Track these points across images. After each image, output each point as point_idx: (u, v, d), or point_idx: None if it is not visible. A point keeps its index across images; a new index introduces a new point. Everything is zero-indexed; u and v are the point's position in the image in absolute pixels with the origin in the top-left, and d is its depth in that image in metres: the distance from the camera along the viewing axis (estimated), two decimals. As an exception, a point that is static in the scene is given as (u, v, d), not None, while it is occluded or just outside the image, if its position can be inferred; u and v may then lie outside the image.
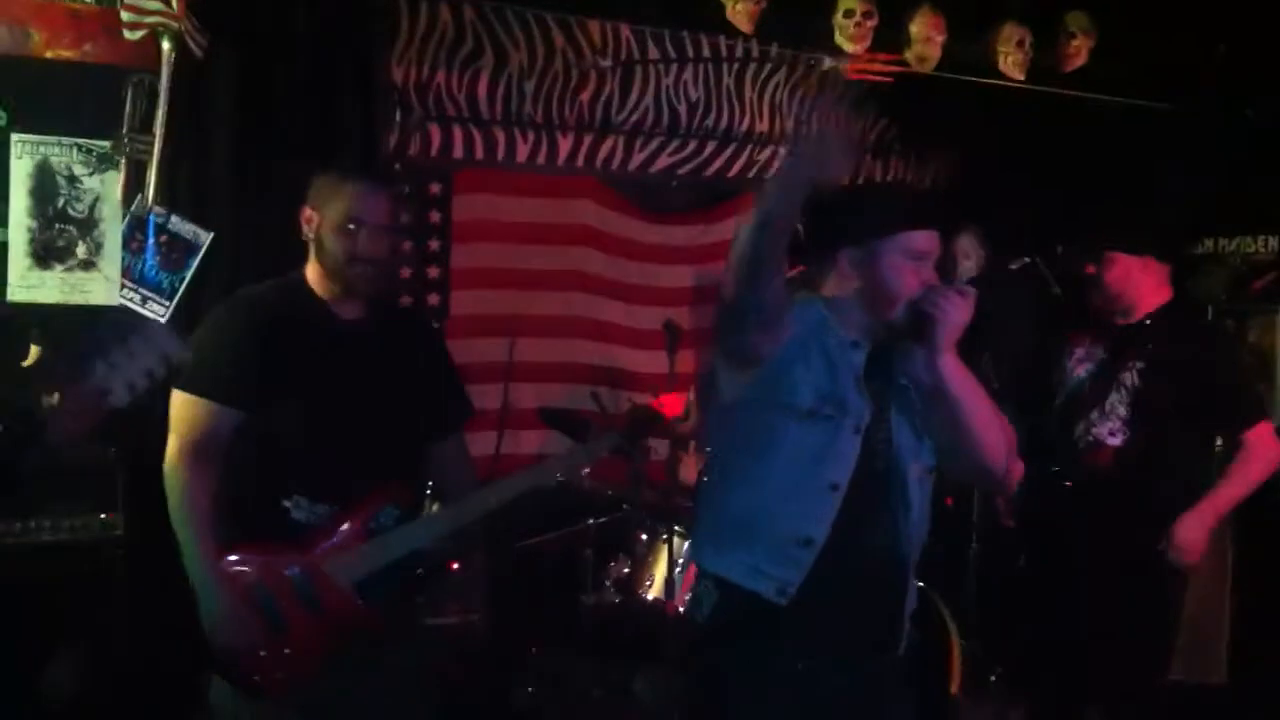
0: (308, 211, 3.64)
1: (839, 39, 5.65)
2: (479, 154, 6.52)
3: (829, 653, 3.21)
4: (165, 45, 4.69)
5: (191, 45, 4.73)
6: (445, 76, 6.34)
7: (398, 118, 6.14)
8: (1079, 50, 5.94)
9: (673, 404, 4.06)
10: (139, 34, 4.64)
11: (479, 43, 6.39)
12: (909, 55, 5.78)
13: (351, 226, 3.55)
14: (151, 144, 4.73)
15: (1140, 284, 4.89)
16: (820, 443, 3.18)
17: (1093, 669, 4.87)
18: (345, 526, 3.54)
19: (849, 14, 5.63)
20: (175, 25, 4.65)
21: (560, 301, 6.89)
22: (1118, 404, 4.85)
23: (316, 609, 3.47)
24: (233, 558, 3.47)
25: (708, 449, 3.52)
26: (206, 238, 4.91)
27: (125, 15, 4.65)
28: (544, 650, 5.72)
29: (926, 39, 5.70)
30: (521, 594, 5.87)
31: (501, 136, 6.56)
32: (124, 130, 4.77)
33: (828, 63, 5.92)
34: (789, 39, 6.26)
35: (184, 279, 4.88)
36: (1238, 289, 6.66)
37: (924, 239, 3.22)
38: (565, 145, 6.73)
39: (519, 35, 6.45)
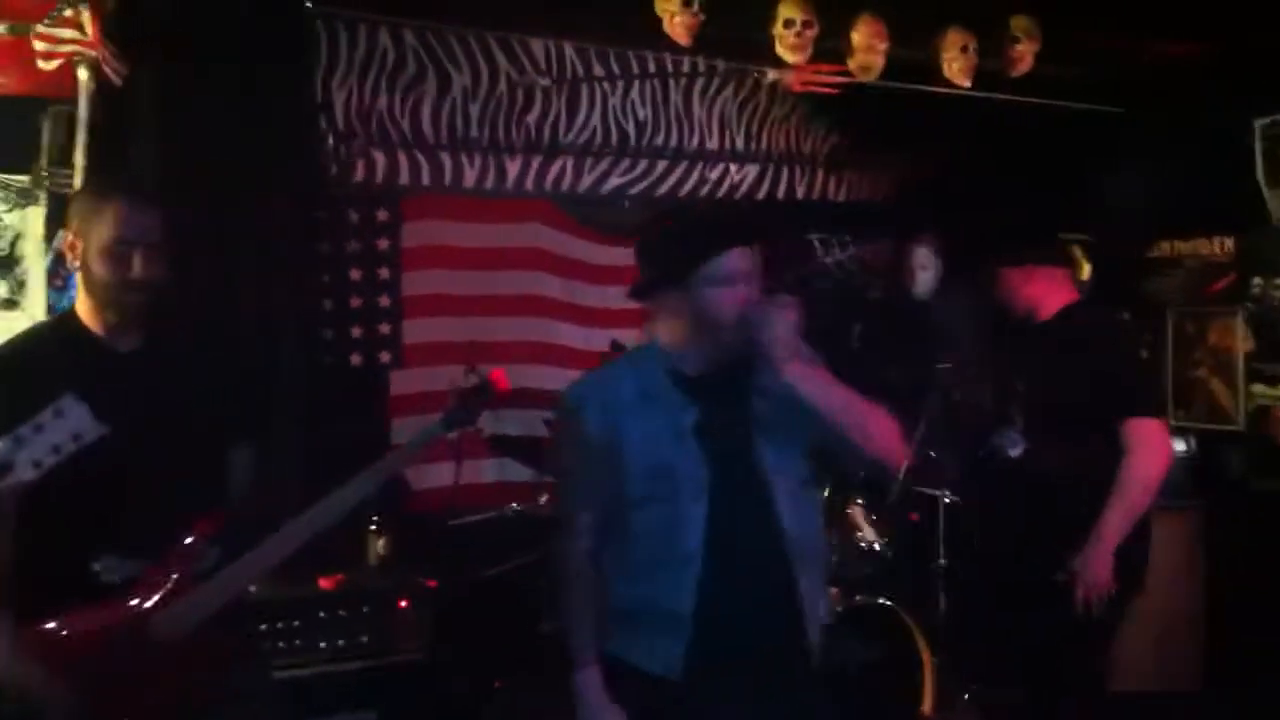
0: (69, 238, 3.34)
1: (779, 49, 5.54)
2: (425, 179, 6.45)
3: (733, 709, 3.26)
4: (83, 74, 4.55)
5: (109, 73, 4.60)
6: (388, 101, 6.27)
7: (339, 144, 6.07)
8: (1024, 55, 5.84)
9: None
10: (54, 63, 4.50)
11: (421, 66, 6.33)
12: (851, 64, 5.68)
13: (121, 248, 3.27)
14: (72, 176, 4.59)
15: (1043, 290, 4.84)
16: (663, 520, 3.25)
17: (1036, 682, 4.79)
18: (167, 578, 3.25)
19: (789, 24, 5.52)
20: (92, 54, 4.51)
21: (515, 326, 6.77)
22: (1014, 413, 4.77)
23: (158, 670, 3.23)
24: (48, 637, 3.15)
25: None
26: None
27: (39, 45, 4.49)
28: (507, 683, 5.59)
29: (868, 47, 5.60)
30: (481, 626, 5.73)
31: (448, 160, 6.49)
32: (43, 163, 4.65)
33: (771, 75, 5.81)
34: (729, 51, 6.17)
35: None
36: (1195, 291, 6.57)
37: (729, 261, 3.20)
38: (514, 168, 6.66)
39: (461, 58, 6.39)
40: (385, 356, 6.42)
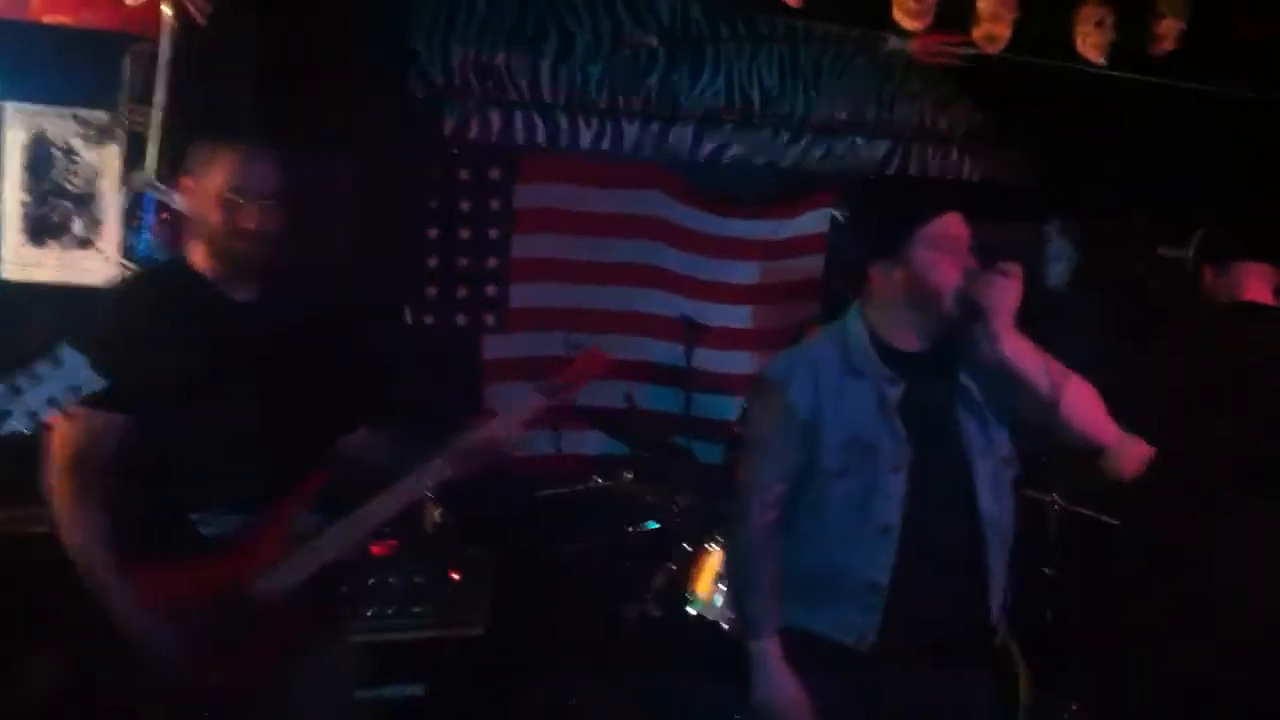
0: (186, 180, 3.33)
1: (897, 14, 5.24)
2: (541, 139, 6.30)
3: (916, 681, 3.21)
4: (166, 11, 4.46)
5: (194, 11, 4.50)
6: (506, 58, 6.13)
7: (455, 99, 5.97)
8: (1168, 32, 5.45)
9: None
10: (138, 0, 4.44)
11: (542, 24, 6.17)
12: (976, 34, 5.35)
13: (236, 198, 3.23)
14: (151, 115, 4.52)
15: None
16: (861, 491, 3.20)
17: None
18: (265, 537, 3.24)
19: (907, -14, 5.21)
20: (176, -10, 4.44)
21: (624, 296, 6.63)
22: None
23: (252, 629, 3.20)
24: (150, 586, 3.15)
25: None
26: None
27: (123, -20, 4.43)
28: (581, 664, 5.44)
29: (995, 16, 5.26)
30: (557, 605, 5.58)
31: (565, 121, 6.33)
32: (123, 101, 4.57)
33: (893, 42, 5.52)
34: (841, 14, 5.90)
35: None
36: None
37: (945, 225, 3.15)
38: (631, 131, 6.48)
39: (584, 13, 6.22)
40: (489, 319, 6.31)
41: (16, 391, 2.50)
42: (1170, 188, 6.09)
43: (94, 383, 2.59)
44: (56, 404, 2.54)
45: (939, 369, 3.27)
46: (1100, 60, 5.42)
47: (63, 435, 3.14)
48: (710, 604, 5.26)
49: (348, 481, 3.43)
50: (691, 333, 6.03)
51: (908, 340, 3.25)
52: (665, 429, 6.10)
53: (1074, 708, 5.46)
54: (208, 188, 3.26)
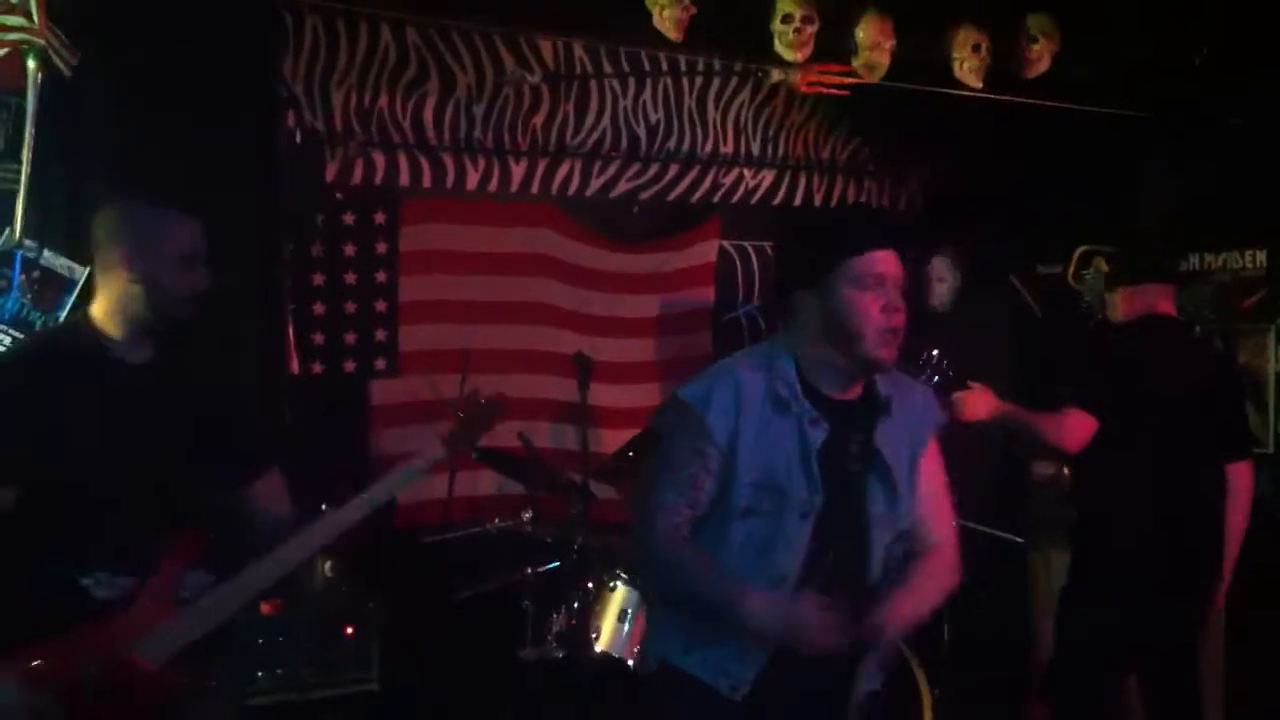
0: (118, 251, 3.28)
1: (778, 47, 5.27)
2: (427, 181, 6.29)
3: None
4: (30, 64, 4.32)
5: (58, 63, 4.40)
6: (389, 101, 6.09)
7: (336, 144, 5.91)
8: (1041, 55, 5.54)
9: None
10: (0, 52, 4.33)
11: (424, 66, 6.14)
12: (857, 64, 5.40)
13: (193, 260, 3.28)
14: (19, 171, 4.40)
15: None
16: (764, 535, 3.08)
17: None
18: (150, 600, 3.18)
19: (787, 19, 5.22)
20: (39, 41, 4.29)
21: (517, 334, 6.57)
22: None
23: (131, 698, 3.14)
24: (30, 657, 3.08)
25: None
26: (82, 273, 4.55)
27: (-16, 33, 4.31)
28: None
29: (875, 45, 5.31)
30: (455, 651, 5.50)
31: (450, 163, 6.31)
32: (-11, 156, 4.46)
33: (776, 75, 5.55)
34: (722, 48, 5.93)
35: (58, 319, 4.53)
36: (1225, 307, 6.24)
37: (873, 262, 3.03)
38: (519, 170, 6.48)
39: (466, 57, 6.20)
40: (380, 363, 6.24)
41: None
42: (1049, 207, 6.18)
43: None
44: None
45: (859, 423, 3.16)
46: (978, 84, 5.49)
47: None
48: (614, 641, 5.23)
49: (241, 541, 3.38)
50: (583, 368, 5.98)
51: (831, 383, 3.13)
52: (562, 466, 6.04)
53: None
54: (163, 252, 3.24)
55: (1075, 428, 4.62)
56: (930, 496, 3.30)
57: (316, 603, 5.02)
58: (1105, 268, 6.02)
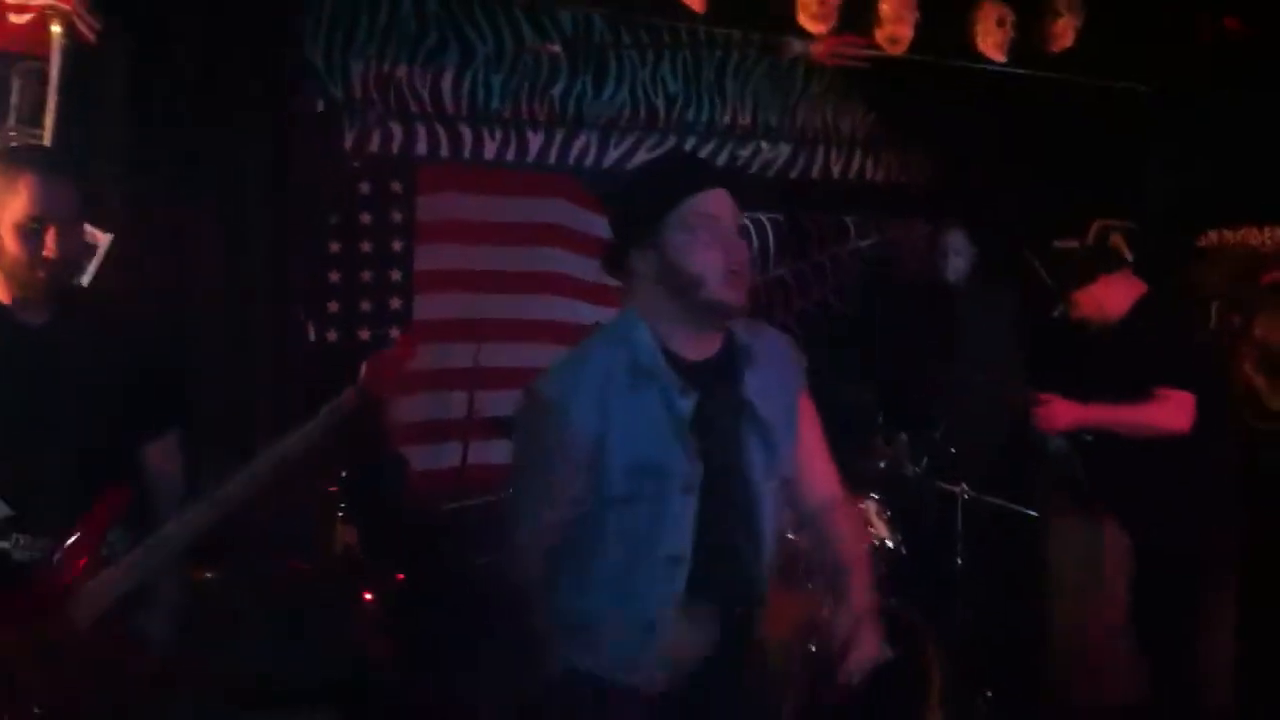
0: None
1: (802, 18, 5.26)
2: (444, 150, 6.27)
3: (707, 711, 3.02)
4: (55, 29, 4.33)
5: (83, 28, 4.40)
6: (407, 70, 6.08)
7: (355, 113, 5.91)
8: (1065, 30, 5.53)
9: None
10: (26, 17, 4.29)
11: (443, 36, 6.14)
12: (879, 36, 5.38)
13: (34, 225, 3.18)
14: (41, 137, 4.40)
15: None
16: (648, 519, 2.92)
17: None
18: (74, 560, 3.18)
19: (812, -10, 5.23)
20: (65, 7, 4.29)
21: (531, 305, 6.57)
22: None
23: (61, 660, 3.13)
24: None
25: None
26: (105, 240, 4.56)
27: (9, -3, 4.30)
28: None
29: (898, 18, 5.30)
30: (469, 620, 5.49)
31: (468, 132, 6.30)
32: (11, 122, 4.44)
33: (797, 46, 5.53)
34: (744, 18, 5.91)
35: (82, 286, 4.54)
36: (1242, 283, 6.24)
37: (703, 203, 2.90)
38: (536, 141, 6.46)
39: (485, 27, 6.18)
40: (395, 332, 6.23)
41: None
42: (1067, 183, 6.18)
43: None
44: None
45: (726, 380, 3.02)
46: (1001, 58, 5.48)
47: None
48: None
49: (158, 498, 3.41)
50: None
51: (688, 345, 2.97)
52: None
53: (988, 694, 5.51)
54: (5, 213, 3.19)
55: (1181, 407, 4.64)
56: (811, 446, 3.21)
57: (337, 568, 5.03)
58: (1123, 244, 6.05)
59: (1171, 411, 4.63)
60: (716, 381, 3.00)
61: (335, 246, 6.08)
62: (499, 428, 5.69)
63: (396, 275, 6.25)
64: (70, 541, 3.18)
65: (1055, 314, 4.98)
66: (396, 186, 6.22)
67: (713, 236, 2.89)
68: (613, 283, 6.45)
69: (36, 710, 3.07)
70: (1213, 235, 6.36)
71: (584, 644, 2.98)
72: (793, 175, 6.94)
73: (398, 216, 6.24)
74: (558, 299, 6.64)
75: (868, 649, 3.05)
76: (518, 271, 6.53)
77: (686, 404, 2.93)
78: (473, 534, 5.67)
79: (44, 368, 3.24)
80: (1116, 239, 6.15)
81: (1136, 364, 4.70)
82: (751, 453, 3.02)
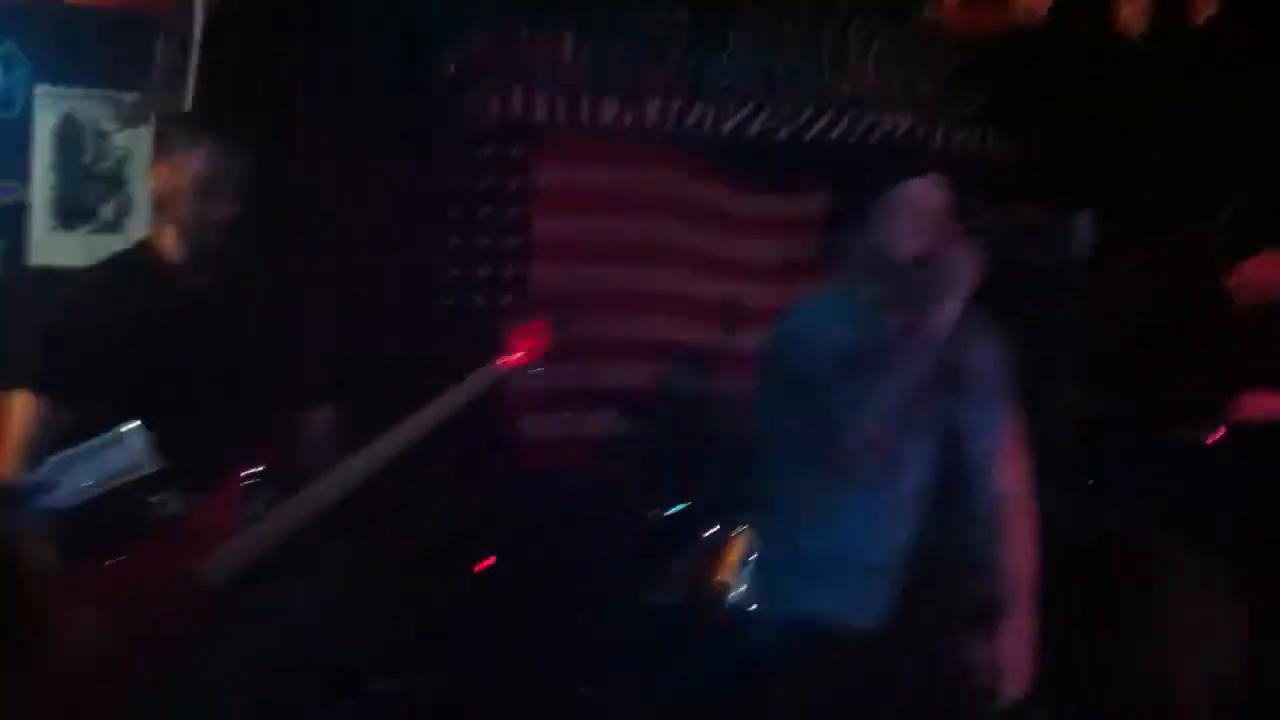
0: (158, 165, 3.34)
1: (935, -12, 5.18)
2: (561, 117, 6.21)
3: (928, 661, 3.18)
4: (196, -9, 4.39)
5: (220, -9, 4.43)
6: (528, 36, 6.04)
7: (477, 77, 5.88)
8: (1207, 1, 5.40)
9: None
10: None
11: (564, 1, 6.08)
12: (1014, 6, 5.29)
13: (206, 187, 3.25)
14: (184, 97, 4.44)
15: None
16: (879, 467, 3.10)
17: None
18: (215, 516, 3.24)
19: (943, -42, 5.14)
20: (205, -33, 4.35)
21: (645, 276, 6.52)
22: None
23: (192, 613, 3.20)
24: (97, 574, 3.17)
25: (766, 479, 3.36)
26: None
27: (154, -42, 4.35)
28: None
29: (1033, -11, 5.20)
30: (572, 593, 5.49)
31: (586, 99, 6.25)
32: (155, 82, 4.48)
33: (926, 13, 5.44)
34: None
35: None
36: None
37: (909, 192, 3.10)
38: (653, 110, 6.38)
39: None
40: (509, 300, 6.22)
41: (69, 464, 2.58)
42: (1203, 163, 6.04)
43: (153, 464, 2.67)
44: (109, 481, 2.62)
45: (929, 351, 3.12)
46: (1140, 31, 5.36)
47: (15, 422, 3.20)
48: (739, 587, 5.21)
49: (302, 461, 3.43)
50: (729, 315, 5.83)
51: (895, 322, 3.11)
52: (689, 412, 6.01)
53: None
54: (180, 173, 3.25)
55: None
56: (1001, 433, 3.29)
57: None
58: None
59: None
60: (924, 353, 3.10)
61: (454, 212, 6.07)
62: (614, 401, 5.69)
63: (514, 242, 6.22)
64: (215, 500, 3.24)
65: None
66: (516, 152, 6.19)
67: (917, 225, 3.04)
68: (723, 255, 6.58)
69: (169, 658, 3.15)
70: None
71: (816, 583, 3.14)
72: (912, 146, 6.84)
73: (516, 183, 6.21)
74: (671, 270, 6.57)
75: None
76: (635, 242, 6.48)
77: (909, 371, 3.07)
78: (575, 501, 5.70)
79: (206, 327, 3.30)
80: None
81: None
82: (961, 413, 3.18)
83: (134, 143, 4.56)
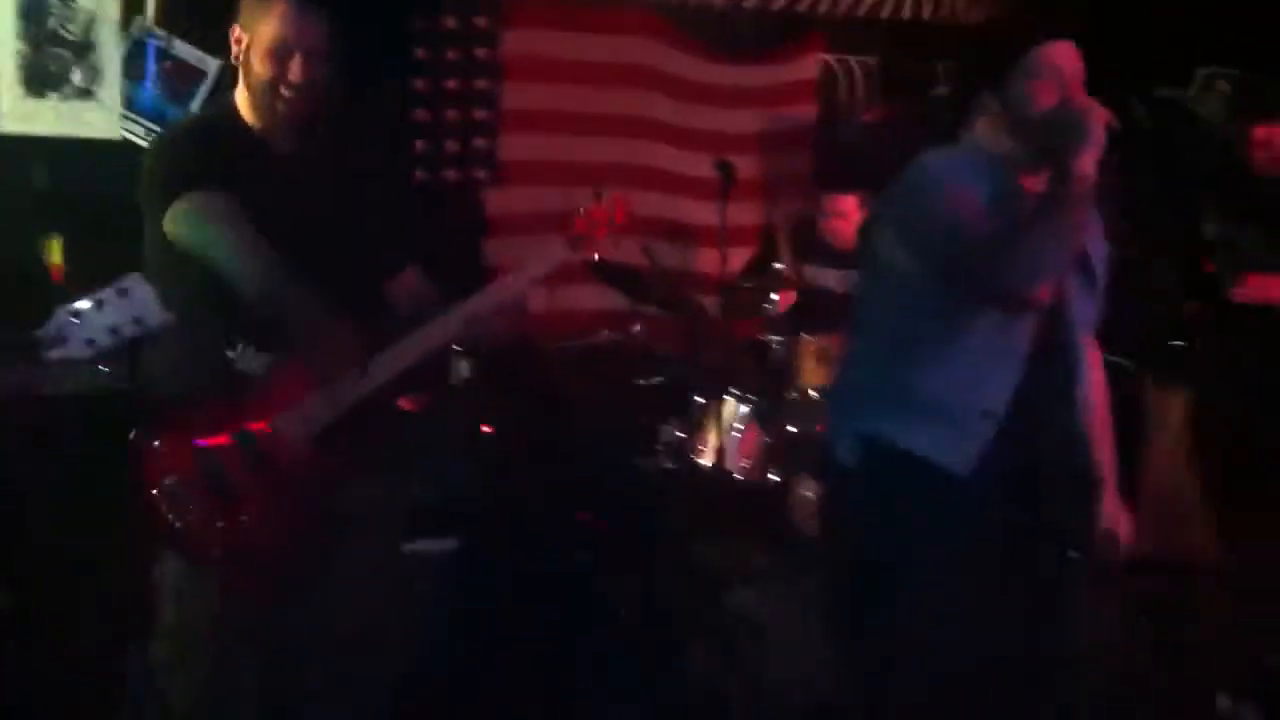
0: (237, 31, 3.26)
1: None
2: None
3: (1000, 538, 3.15)
4: None
5: None
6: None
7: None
8: None
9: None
10: None
11: None
12: None
13: (283, 50, 3.18)
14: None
15: None
16: (994, 318, 3.08)
17: None
18: (293, 376, 3.19)
19: None
20: None
21: (618, 147, 6.44)
22: None
23: (271, 472, 3.15)
24: (176, 425, 3.13)
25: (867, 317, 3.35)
26: (214, 65, 4.47)
27: None
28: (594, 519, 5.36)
29: None
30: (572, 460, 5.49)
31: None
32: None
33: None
34: None
35: (189, 111, 4.46)
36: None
37: (1048, 53, 3.02)
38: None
39: None
40: (481, 173, 6.13)
41: (77, 317, 2.56)
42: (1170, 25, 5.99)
43: (159, 316, 2.66)
44: (116, 334, 2.60)
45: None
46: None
47: None
48: (722, 453, 5.24)
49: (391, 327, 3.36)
50: (726, 176, 5.58)
51: (1027, 174, 3.12)
52: (670, 282, 5.96)
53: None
54: (258, 40, 3.19)
55: None
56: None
57: (457, 400, 5.01)
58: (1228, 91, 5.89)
59: None
60: (1071, 207, 3.02)
61: (420, 84, 5.95)
62: (598, 271, 5.63)
63: (483, 114, 6.12)
64: (291, 360, 3.19)
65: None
66: (482, 22, 6.06)
67: (1054, 83, 3.00)
68: (696, 125, 6.50)
69: (244, 518, 3.12)
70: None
71: (916, 421, 3.13)
72: (883, 16, 6.76)
73: (484, 53, 6.09)
74: (644, 142, 6.52)
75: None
76: (606, 114, 6.40)
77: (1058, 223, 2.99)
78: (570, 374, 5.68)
79: (287, 192, 3.25)
80: (1223, 87, 5.99)
81: None
82: (1078, 296, 3.18)
83: (101, 6, 4.41)
